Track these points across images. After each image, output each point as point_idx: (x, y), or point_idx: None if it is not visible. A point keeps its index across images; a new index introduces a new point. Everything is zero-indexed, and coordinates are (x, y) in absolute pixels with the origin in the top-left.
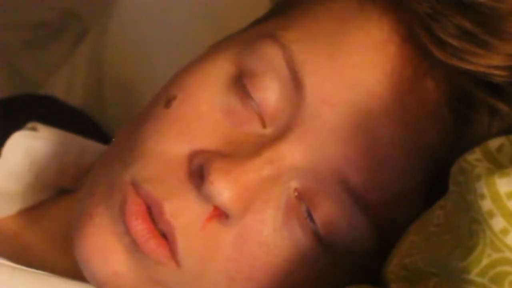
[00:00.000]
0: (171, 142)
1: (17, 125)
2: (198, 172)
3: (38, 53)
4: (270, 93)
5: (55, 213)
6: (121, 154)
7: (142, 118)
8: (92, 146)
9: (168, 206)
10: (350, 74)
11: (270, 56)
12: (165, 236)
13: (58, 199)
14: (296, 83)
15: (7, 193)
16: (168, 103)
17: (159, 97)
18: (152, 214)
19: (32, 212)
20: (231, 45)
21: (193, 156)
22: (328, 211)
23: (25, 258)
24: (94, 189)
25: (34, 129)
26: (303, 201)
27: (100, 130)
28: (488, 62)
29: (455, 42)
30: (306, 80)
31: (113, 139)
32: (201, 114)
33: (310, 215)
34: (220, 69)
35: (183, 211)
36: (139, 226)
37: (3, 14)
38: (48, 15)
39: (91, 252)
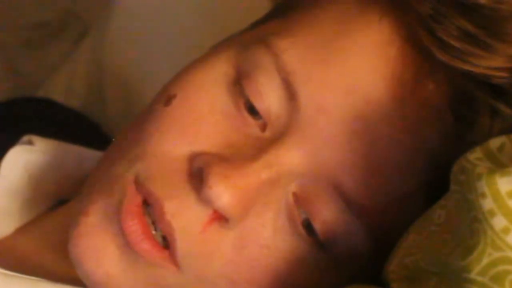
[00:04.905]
0: (172, 143)
1: (15, 130)
2: (198, 175)
3: (38, 53)
4: (265, 98)
5: (54, 220)
6: (123, 152)
7: (143, 117)
8: (91, 154)
9: (168, 205)
10: (347, 80)
11: (263, 64)
12: (165, 238)
13: (57, 208)
14: (289, 92)
15: (5, 211)
16: (167, 102)
17: (160, 96)
18: (153, 212)
19: (29, 223)
20: (231, 47)
21: (193, 157)
22: (325, 215)
23: (23, 266)
24: (93, 187)
25: (30, 142)
26: (302, 205)
27: (99, 131)
28: (489, 64)
29: (456, 44)
30: (299, 90)
31: (114, 139)
32: (202, 114)
33: (309, 219)
34: (220, 71)
35: (184, 213)
36: (134, 227)
37: (3, 14)
38: (48, 15)
39: (84, 253)
